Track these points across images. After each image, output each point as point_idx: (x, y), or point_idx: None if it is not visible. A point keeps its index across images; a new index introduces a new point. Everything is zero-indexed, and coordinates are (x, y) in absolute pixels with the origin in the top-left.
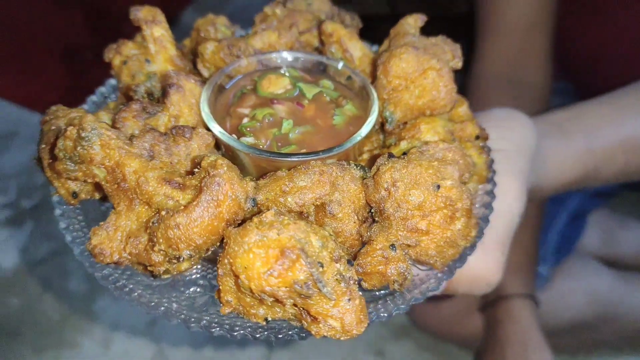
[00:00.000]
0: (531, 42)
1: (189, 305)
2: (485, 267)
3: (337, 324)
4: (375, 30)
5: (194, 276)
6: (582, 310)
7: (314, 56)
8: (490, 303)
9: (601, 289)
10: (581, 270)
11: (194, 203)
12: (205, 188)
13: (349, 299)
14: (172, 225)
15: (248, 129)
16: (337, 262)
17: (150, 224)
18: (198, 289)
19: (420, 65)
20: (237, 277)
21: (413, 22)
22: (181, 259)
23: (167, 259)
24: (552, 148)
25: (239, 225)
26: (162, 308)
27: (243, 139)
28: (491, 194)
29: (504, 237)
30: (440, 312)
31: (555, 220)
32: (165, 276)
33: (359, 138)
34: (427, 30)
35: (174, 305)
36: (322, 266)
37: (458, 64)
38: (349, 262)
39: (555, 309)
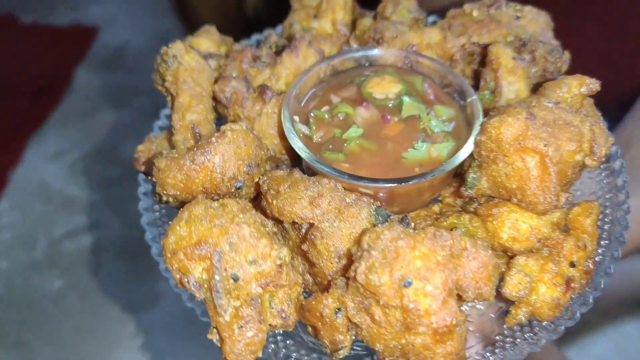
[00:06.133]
0: None
1: None
2: None
3: (221, 339)
4: None
5: None
6: None
7: (451, 75)
8: None
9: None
10: None
11: (179, 157)
12: (195, 149)
13: (241, 327)
14: (156, 165)
15: (314, 116)
16: (260, 287)
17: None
18: None
19: (522, 141)
20: None
21: (576, 85)
22: (164, 198)
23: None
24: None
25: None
26: None
27: (297, 125)
28: None
29: None
30: None
31: None
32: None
33: (386, 185)
34: None
35: None
36: (235, 280)
37: (593, 163)
38: (306, 293)
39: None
